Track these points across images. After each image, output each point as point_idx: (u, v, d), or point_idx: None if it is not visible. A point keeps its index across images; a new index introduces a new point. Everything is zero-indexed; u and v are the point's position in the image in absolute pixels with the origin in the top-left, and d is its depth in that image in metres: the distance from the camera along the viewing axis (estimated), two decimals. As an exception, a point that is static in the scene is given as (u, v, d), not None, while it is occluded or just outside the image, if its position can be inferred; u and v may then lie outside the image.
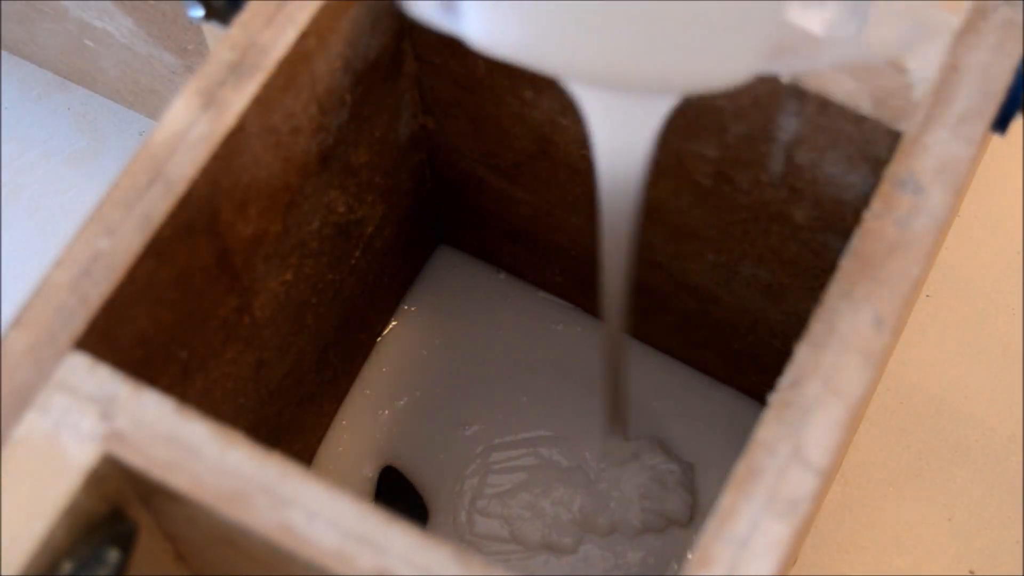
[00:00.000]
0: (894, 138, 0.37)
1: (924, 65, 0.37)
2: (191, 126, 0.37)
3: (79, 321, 0.35)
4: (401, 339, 0.58)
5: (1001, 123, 0.37)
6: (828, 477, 0.34)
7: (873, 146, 0.37)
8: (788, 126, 0.39)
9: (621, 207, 0.38)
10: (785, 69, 0.36)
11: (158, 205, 0.36)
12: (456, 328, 0.58)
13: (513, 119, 0.46)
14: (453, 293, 0.59)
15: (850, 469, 0.55)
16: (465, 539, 0.54)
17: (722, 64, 0.32)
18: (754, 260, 0.46)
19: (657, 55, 0.31)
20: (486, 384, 0.57)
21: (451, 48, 0.45)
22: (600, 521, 0.54)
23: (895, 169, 0.36)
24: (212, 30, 0.53)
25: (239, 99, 0.37)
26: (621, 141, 0.36)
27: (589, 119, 0.36)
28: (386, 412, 0.57)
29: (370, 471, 0.56)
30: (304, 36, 0.38)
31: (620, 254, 0.40)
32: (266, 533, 0.33)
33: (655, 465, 0.55)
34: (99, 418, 0.34)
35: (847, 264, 0.35)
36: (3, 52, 0.65)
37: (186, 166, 0.36)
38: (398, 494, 0.55)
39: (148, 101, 0.63)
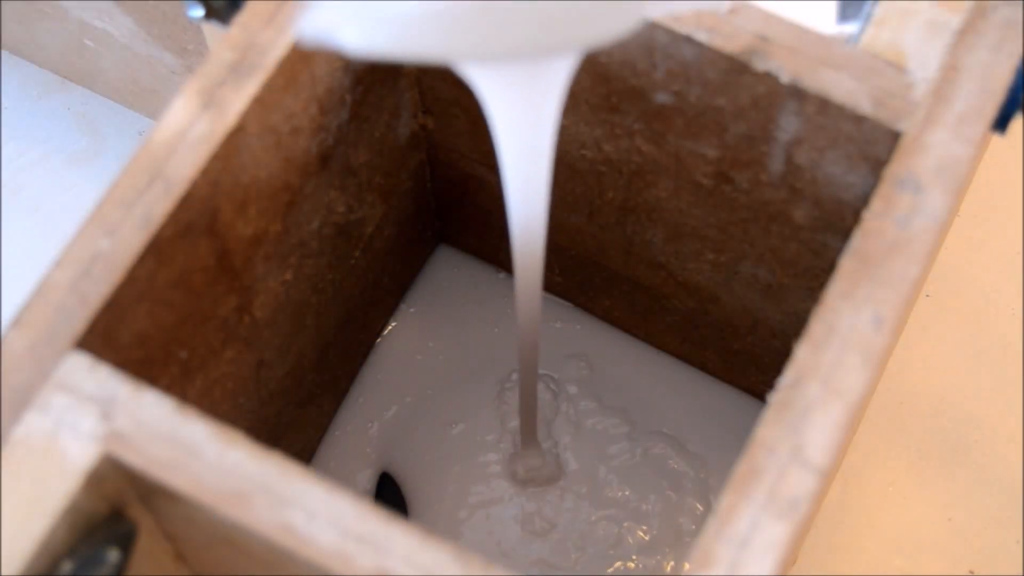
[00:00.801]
0: (894, 138, 0.37)
1: (924, 65, 0.37)
2: (191, 126, 0.37)
3: (79, 321, 0.35)
4: (401, 339, 0.58)
5: (1001, 123, 0.37)
6: (828, 477, 0.34)
7: (873, 146, 0.37)
8: (788, 126, 0.39)
9: (531, 205, 0.37)
10: (662, 10, 0.35)
11: (158, 205, 0.36)
12: (456, 328, 0.58)
13: (513, 119, 0.46)
14: (453, 293, 0.59)
15: (850, 469, 0.55)
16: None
17: (610, 13, 0.32)
18: (754, 260, 0.46)
19: (544, 15, 0.31)
20: (485, 384, 0.57)
21: (451, 48, 0.45)
22: (603, 536, 0.54)
23: (895, 169, 0.36)
24: (212, 30, 0.53)
25: (239, 99, 0.37)
26: (526, 117, 0.35)
27: (488, 100, 0.34)
28: (385, 413, 0.57)
29: (369, 471, 0.56)
30: (304, 36, 0.38)
31: (535, 246, 0.39)
32: (266, 533, 0.33)
33: (667, 464, 0.54)
34: (99, 418, 0.34)
35: (847, 264, 0.35)
36: (3, 52, 0.65)
37: (186, 166, 0.36)
38: (383, 503, 0.55)
39: (148, 101, 0.63)
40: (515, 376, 0.57)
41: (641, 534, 0.54)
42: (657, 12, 0.34)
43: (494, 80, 0.34)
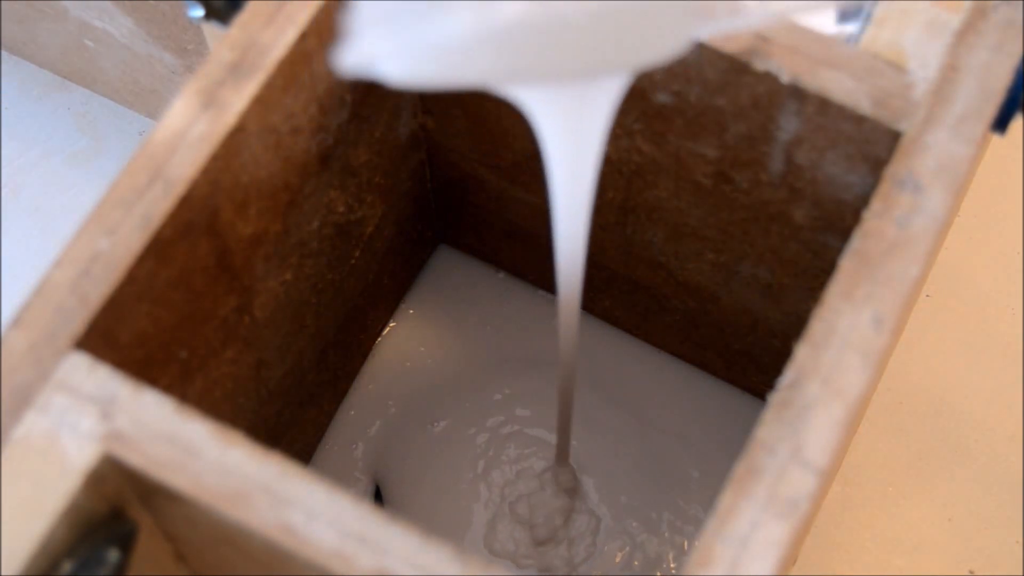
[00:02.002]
0: (894, 138, 0.37)
1: (924, 65, 0.37)
2: (191, 126, 0.37)
3: (79, 321, 0.35)
4: (400, 340, 0.58)
5: (1001, 123, 0.37)
6: (828, 477, 0.34)
7: (873, 146, 0.37)
8: (788, 126, 0.39)
9: (576, 212, 0.37)
10: (715, 30, 0.35)
11: (158, 205, 0.36)
12: (456, 328, 0.58)
13: (513, 119, 0.46)
14: (453, 293, 0.59)
15: (850, 469, 0.55)
16: None
17: (662, 34, 0.31)
18: (754, 260, 0.46)
19: (597, 38, 0.30)
20: (485, 384, 0.57)
21: (451, 48, 0.45)
22: (609, 550, 0.53)
23: (895, 169, 0.36)
24: (212, 30, 0.53)
25: (239, 99, 0.37)
26: (575, 137, 0.35)
27: (540, 122, 0.34)
28: (384, 413, 0.57)
29: (368, 471, 0.56)
30: (304, 36, 0.38)
31: (576, 264, 0.39)
32: (266, 533, 0.33)
33: (670, 464, 0.54)
34: (99, 418, 0.34)
35: (847, 264, 0.35)
36: (3, 52, 0.65)
37: (186, 166, 0.36)
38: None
39: (148, 101, 0.63)
40: (515, 375, 0.57)
41: (644, 542, 0.54)
42: (708, 32, 0.34)
43: (544, 102, 0.34)
